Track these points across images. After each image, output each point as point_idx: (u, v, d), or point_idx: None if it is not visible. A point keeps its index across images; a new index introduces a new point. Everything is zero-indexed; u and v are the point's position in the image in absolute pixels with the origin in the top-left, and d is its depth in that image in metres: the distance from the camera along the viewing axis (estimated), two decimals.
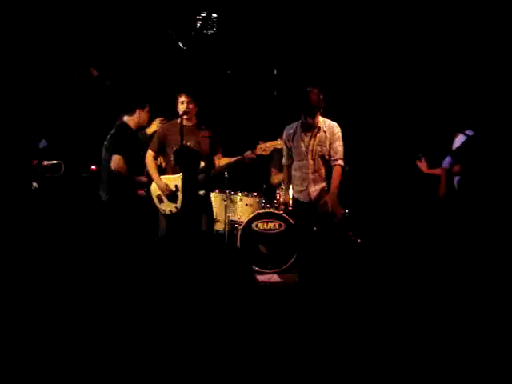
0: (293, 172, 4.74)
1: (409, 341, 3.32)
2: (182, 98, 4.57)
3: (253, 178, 6.20)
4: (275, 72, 6.34)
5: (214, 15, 6.06)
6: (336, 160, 4.55)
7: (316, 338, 3.35)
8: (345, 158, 4.60)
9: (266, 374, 2.85)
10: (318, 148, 4.57)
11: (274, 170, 6.05)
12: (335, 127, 4.59)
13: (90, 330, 3.34)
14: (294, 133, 4.67)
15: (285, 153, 4.76)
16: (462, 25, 5.51)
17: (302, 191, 4.68)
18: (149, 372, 2.83)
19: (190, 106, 4.57)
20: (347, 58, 6.13)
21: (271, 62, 6.38)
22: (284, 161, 4.81)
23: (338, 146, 4.55)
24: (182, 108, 4.57)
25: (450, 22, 5.56)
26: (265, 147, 4.51)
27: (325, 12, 6.01)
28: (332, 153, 4.56)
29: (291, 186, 4.81)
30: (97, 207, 4.90)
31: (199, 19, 6.07)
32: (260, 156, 4.55)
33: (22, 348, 3.04)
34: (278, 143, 4.68)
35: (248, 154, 4.56)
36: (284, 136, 4.72)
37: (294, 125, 4.70)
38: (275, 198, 5.98)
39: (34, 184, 5.54)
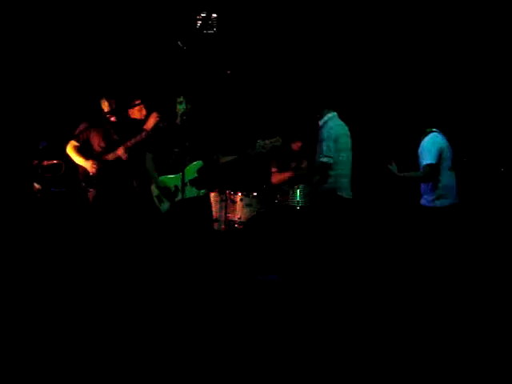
0: None
1: (407, 340, 3.31)
2: (181, 99, 4.66)
3: (253, 177, 6.19)
4: (274, 72, 6.34)
5: (214, 15, 6.07)
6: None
7: (314, 337, 3.34)
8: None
9: (264, 372, 2.84)
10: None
11: (273, 169, 6.03)
12: (324, 129, 4.65)
13: (89, 329, 3.34)
14: None
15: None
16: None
17: None
18: (149, 368, 2.82)
19: (188, 106, 4.66)
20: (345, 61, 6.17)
21: (271, 62, 6.39)
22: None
23: (323, 145, 4.60)
24: (181, 109, 4.65)
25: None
26: (263, 144, 4.51)
27: (324, 11, 6.02)
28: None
29: None
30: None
31: (199, 19, 6.08)
32: (259, 154, 4.56)
33: (21, 348, 3.04)
34: (279, 140, 4.68)
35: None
36: None
37: None
38: (275, 197, 5.95)
39: (37, 185, 5.55)
